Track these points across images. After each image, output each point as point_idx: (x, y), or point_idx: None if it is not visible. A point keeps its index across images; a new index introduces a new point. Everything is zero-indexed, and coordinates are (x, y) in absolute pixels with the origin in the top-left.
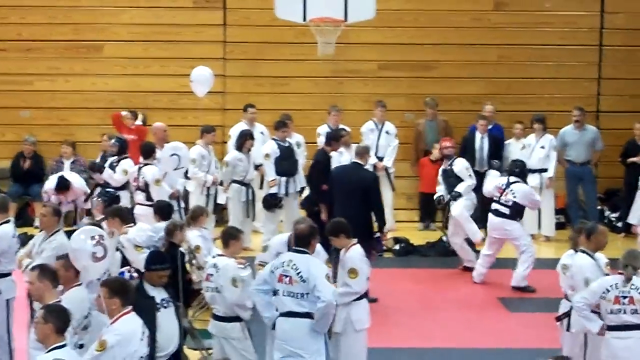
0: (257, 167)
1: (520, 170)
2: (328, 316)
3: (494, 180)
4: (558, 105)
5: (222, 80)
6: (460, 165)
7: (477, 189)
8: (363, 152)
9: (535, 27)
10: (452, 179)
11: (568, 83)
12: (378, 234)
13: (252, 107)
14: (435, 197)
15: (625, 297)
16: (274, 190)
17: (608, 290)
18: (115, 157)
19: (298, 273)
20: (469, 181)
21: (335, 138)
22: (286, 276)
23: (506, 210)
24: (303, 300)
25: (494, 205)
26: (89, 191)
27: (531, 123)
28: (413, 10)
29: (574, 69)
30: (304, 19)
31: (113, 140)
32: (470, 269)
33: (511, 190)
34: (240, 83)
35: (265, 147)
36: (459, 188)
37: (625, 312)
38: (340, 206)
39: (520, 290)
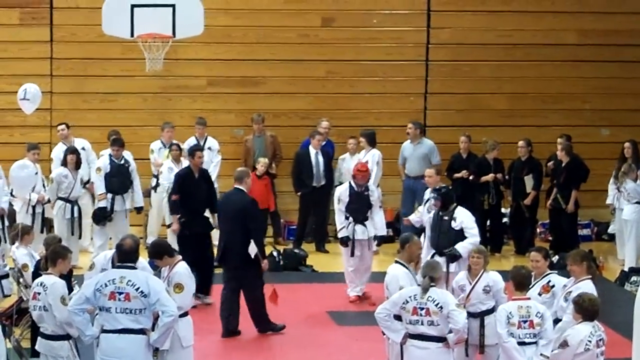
0: (86, 183)
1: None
2: (170, 330)
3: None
4: (385, 120)
5: (49, 97)
6: (377, 194)
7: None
8: (242, 176)
9: (362, 43)
10: (365, 206)
11: (395, 98)
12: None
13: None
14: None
15: (422, 309)
16: (102, 204)
17: (407, 301)
18: None
19: (137, 289)
20: (381, 211)
21: (190, 153)
22: (120, 293)
23: None
24: (140, 316)
25: None
26: None
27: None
28: (241, 26)
29: (400, 84)
30: (132, 35)
31: None
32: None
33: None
34: (68, 100)
35: (98, 161)
36: (380, 225)
37: (422, 324)
38: (224, 233)
39: None
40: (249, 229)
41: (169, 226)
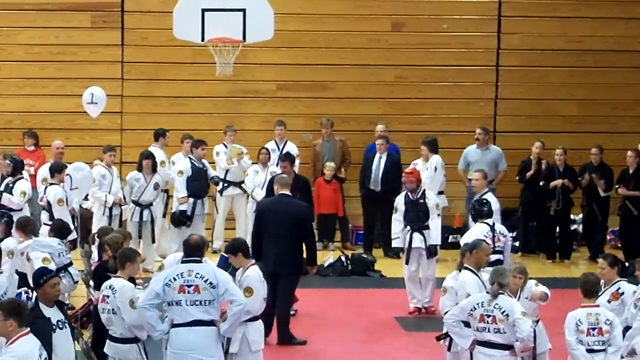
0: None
1: (489, 210)
2: (240, 319)
3: (476, 232)
4: (454, 126)
5: (119, 100)
6: (433, 202)
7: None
8: (288, 183)
9: (432, 48)
10: (422, 213)
11: (464, 103)
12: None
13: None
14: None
15: (489, 316)
16: (183, 207)
17: (475, 308)
18: (10, 178)
19: (206, 280)
20: (437, 219)
21: (282, 159)
22: (189, 285)
23: (501, 257)
24: (210, 308)
25: (492, 257)
26: None
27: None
28: (311, 31)
29: (470, 89)
30: (202, 39)
31: (7, 160)
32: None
33: (500, 233)
34: (138, 103)
35: (179, 164)
36: (434, 235)
37: (489, 331)
38: (272, 239)
39: None
40: (304, 236)
41: None
